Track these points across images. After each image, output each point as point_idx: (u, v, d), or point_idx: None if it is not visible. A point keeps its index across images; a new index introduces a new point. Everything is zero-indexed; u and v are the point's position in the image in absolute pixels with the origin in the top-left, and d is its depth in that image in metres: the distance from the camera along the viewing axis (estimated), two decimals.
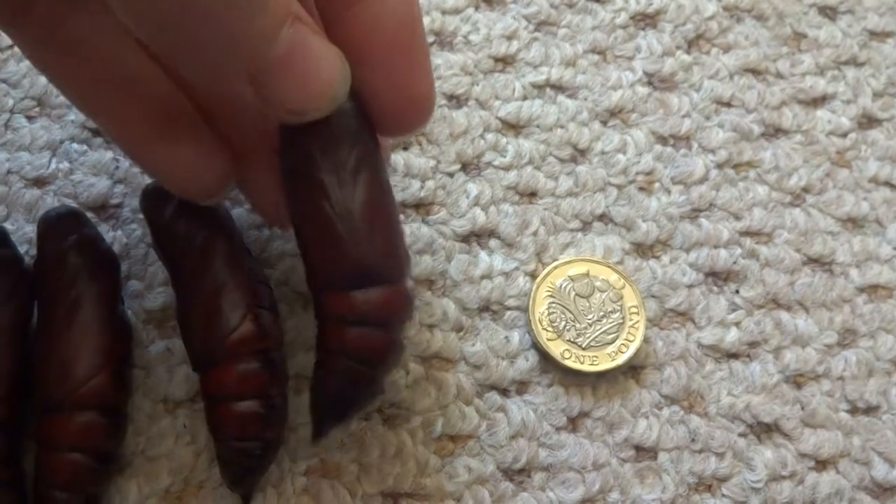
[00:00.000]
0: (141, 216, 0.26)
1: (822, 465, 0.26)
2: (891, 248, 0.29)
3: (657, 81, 0.32)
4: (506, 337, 0.27)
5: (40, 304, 0.23)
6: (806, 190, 0.30)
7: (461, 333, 0.27)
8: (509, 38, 0.32)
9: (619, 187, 0.30)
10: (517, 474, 0.25)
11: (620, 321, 0.27)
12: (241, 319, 0.23)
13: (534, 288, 0.27)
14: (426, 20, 0.31)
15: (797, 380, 0.27)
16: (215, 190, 0.23)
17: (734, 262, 0.29)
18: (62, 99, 0.29)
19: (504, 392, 0.26)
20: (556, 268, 0.27)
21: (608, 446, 0.26)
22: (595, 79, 0.31)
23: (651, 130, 0.31)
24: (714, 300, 0.28)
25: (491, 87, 0.31)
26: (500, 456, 0.25)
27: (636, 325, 0.27)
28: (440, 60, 0.31)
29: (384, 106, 0.21)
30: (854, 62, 0.32)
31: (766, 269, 0.29)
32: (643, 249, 0.29)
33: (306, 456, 0.25)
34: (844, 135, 0.31)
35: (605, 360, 0.26)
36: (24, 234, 0.26)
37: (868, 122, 0.32)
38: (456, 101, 0.30)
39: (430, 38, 0.31)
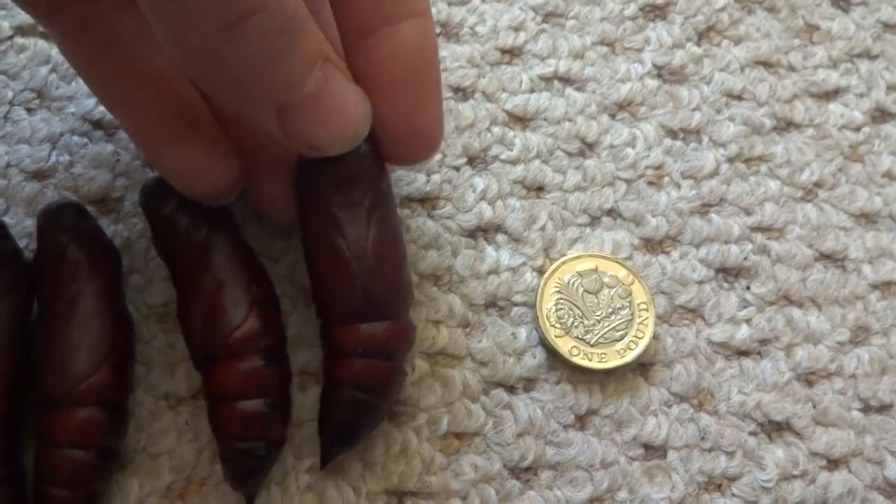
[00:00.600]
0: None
1: (834, 464, 0.26)
2: None
3: (667, 74, 0.31)
4: (513, 333, 0.26)
5: (40, 298, 0.23)
6: (818, 185, 0.30)
7: (467, 330, 0.26)
8: (516, 29, 0.31)
9: (628, 182, 0.29)
10: (524, 472, 0.25)
11: (629, 318, 0.26)
12: (244, 317, 0.22)
13: (541, 284, 0.27)
14: (432, 10, 0.31)
15: (809, 378, 0.27)
16: (224, 192, 0.24)
17: (745, 258, 0.28)
18: (62, 91, 0.28)
19: (511, 389, 0.26)
20: (563, 263, 0.27)
21: (616, 445, 0.25)
22: (604, 71, 0.31)
23: (661, 124, 0.30)
24: (724, 297, 0.28)
25: (498, 79, 0.30)
26: (507, 454, 0.25)
27: (645, 322, 0.26)
28: (446, 52, 0.30)
29: (390, 137, 0.22)
30: (867, 55, 0.32)
31: (778, 266, 0.28)
32: (652, 245, 0.28)
33: (310, 453, 0.24)
34: (857, 129, 0.31)
35: (613, 358, 0.26)
36: (23, 228, 0.26)
37: (881, 115, 0.31)
38: (462, 93, 0.30)
39: (437, 30, 0.31)
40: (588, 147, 0.29)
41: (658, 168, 0.29)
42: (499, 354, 0.26)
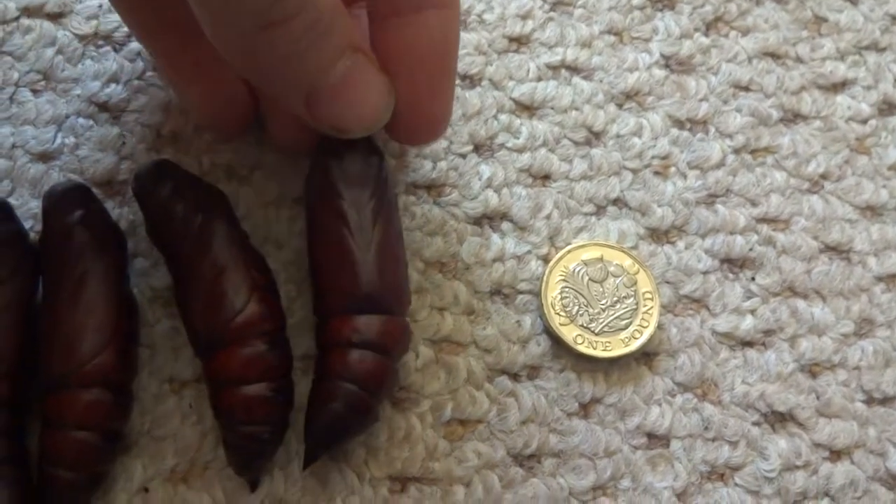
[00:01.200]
0: None
1: (836, 455, 0.26)
2: None
3: (674, 64, 0.31)
4: (517, 321, 0.26)
5: (45, 280, 0.23)
6: (824, 177, 0.30)
7: (472, 317, 0.26)
8: (524, 17, 0.31)
9: (635, 171, 0.29)
10: (527, 460, 0.25)
11: (634, 307, 0.26)
12: (245, 301, 0.22)
13: (546, 272, 0.27)
14: None
15: (813, 369, 0.27)
16: (242, 125, 0.26)
17: (750, 249, 0.28)
18: (68, 73, 0.28)
19: (515, 377, 0.26)
20: (569, 252, 0.27)
21: (620, 433, 0.25)
22: (611, 60, 0.31)
23: (667, 114, 0.30)
24: (729, 287, 0.28)
25: (505, 67, 0.30)
26: (511, 441, 0.25)
27: (650, 311, 0.26)
28: None
29: (398, 117, 0.23)
30: (875, 47, 0.32)
31: (783, 257, 0.28)
32: (658, 235, 0.28)
33: None
34: (864, 121, 0.31)
35: (618, 346, 0.26)
36: (28, 210, 0.26)
37: (888, 108, 0.31)
38: (469, 81, 0.30)
39: None
40: (595, 136, 0.29)
41: (664, 158, 0.29)
42: (503, 342, 0.26)
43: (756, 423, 0.26)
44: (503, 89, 0.30)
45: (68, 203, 0.23)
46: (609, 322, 0.26)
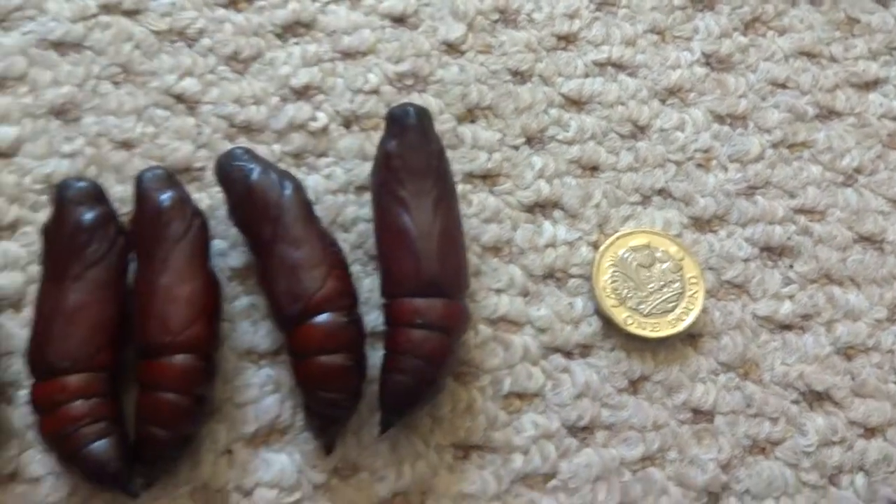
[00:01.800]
0: None
1: (870, 432, 0.27)
2: None
3: (715, 62, 0.33)
4: (570, 303, 0.28)
5: (139, 256, 0.25)
6: (858, 170, 0.31)
7: (527, 298, 0.28)
8: (571, 16, 0.33)
9: (678, 164, 0.31)
10: (581, 431, 0.27)
11: (680, 291, 0.28)
12: (324, 279, 0.24)
13: (597, 257, 0.28)
14: None
15: (848, 352, 0.28)
16: None
17: (788, 238, 0.30)
18: (147, 66, 0.30)
19: (568, 355, 0.27)
20: (618, 238, 0.29)
21: (667, 408, 0.27)
22: (654, 58, 0.32)
23: (709, 109, 0.32)
24: (769, 274, 0.29)
25: (554, 64, 0.32)
26: (565, 414, 0.27)
27: (695, 295, 0.28)
28: (505, 37, 0.32)
29: None
30: None
31: (819, 246, 0.30)
32: (701, 224, 0.30)
33: None
34: (895, 118, 0.32)
35: (665, 327, 0.27)
36: (114, 194, 0.27)
37: None
38: (520, 77, 0.31)
39: (495, 16, 0.32)
40: (640, 130, 0.31)
41: (706, 151, 0.31)
42: (557, 322, 0.28)
43: (795, 402, 0.27)
44: (553, 85, 0.31)
45: (158, 186, 0.25)
46: (657, 305, 0.28)
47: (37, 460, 0.25)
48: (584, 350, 0.28)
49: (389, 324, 0.25)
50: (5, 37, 0.30)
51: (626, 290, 0.28)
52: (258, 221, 0.25)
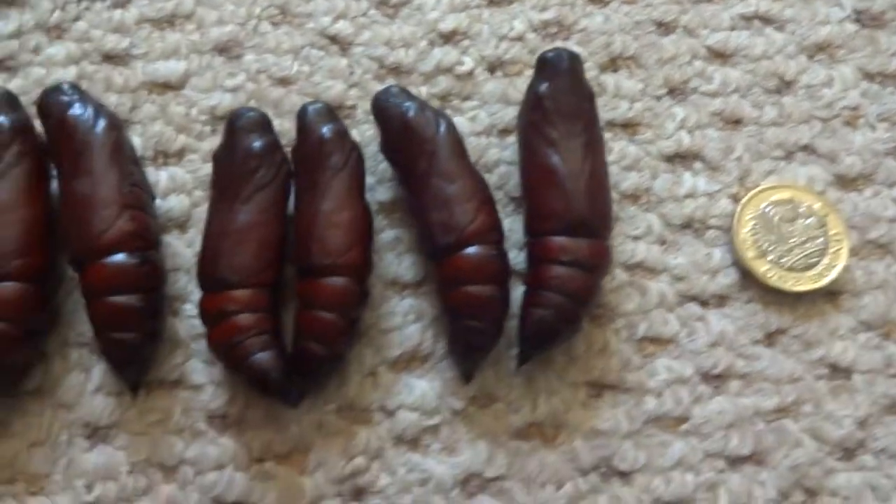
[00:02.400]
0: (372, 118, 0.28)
1: None
2: None
3: (867, 19, 0.32)
4: (707, 253, 0.28)
5: (300, 185, 0.26)
6: None
7: (664, 246, 0.28)
8: None
9: (824, 120, 0.30)
10: (714, 379, 0.27)
11: (823, 247, 0.28)
12: (475, 212, 0.25)
13: (738, 210, 0.28)
14: None
15: None
16: None
17: None
18: (303, 8, 0.31)
19: (704, 304, 0.28)
20: (760, 192, 0.28)
21: (803, 363, 0.27)
22: (803, 13, 0.32)
23: (858, 67, 0.31)
24: None
25: (700, 16, 0.31)
26: (699, 361, 0.27)
27: (838, 252, 0.27)
28: None
29: None
30: None
31: None
32: (845, 182, 0.29)
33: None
34: None
35: (806, 282, 0.27)
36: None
37: None
38: (665, 28, 0.31)
39: None
40: (786, 85, 0.31)
41: (854, 109, 0.30)
42: (693, 271, 0.28)
43: None
44: (697, 37, 0.31)
45: (318, 120, 0.26)
46: (798, 259, 0.27)
47: (199, 369, 0.27)
48: (721, 300, 0.28)
49: (534, 260, 0.26)
50: None
51: (766, 244, 0.28)
52: (413, 156, 0.26)
